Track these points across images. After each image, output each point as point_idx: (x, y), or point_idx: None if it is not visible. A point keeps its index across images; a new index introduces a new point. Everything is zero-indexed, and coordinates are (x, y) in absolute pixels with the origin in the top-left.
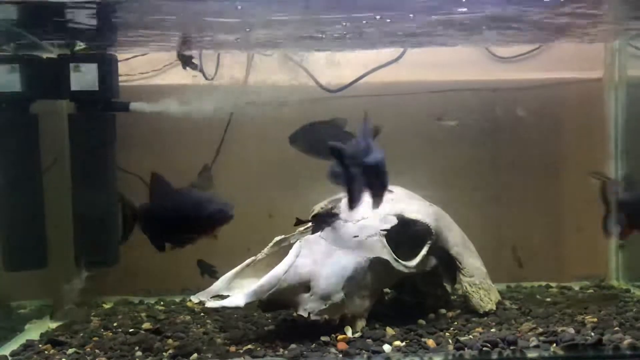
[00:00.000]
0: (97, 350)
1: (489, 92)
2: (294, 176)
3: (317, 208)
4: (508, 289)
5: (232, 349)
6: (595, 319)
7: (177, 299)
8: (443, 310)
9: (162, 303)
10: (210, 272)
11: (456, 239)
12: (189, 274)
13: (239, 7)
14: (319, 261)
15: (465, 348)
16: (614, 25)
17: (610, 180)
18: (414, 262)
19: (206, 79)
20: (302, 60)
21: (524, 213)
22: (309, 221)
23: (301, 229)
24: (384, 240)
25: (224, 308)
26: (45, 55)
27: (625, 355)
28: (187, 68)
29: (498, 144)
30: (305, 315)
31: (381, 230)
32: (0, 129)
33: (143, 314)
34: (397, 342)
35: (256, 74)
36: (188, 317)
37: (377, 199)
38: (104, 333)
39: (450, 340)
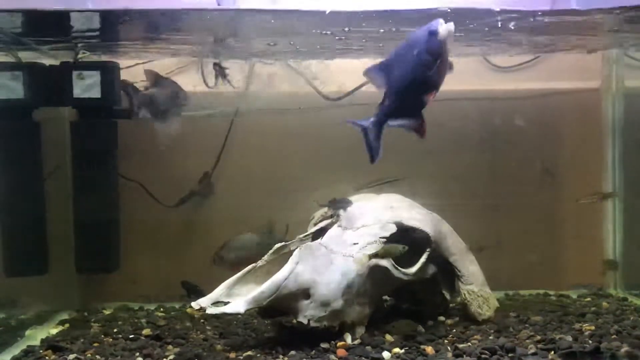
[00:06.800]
0: (97, 356)
1: (487, 101)
2: (295, 183)
3: (317, 215)
4: (506, 296)
5: (232, 355)
6: (593, 327)
7: (177, 305)
8: (442, 318)
9: (162, 309)
10: (195, 292)
11: (455, 247)
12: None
13: None
14: (319, 268)
15: (464, 355)
16: (611, 36)
17: None
18: (413, 270)
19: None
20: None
21: (522, 221)
22: (326, 205)
23: (301, 236)
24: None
25: (225, 314)
26: (48, 63)
27: None
28: (219, 78)
29: (496, 153)
30: (305, 322)
31: (381, 237)
32: (2, 135)
33: (143, 320)
34: (396, 349)
35: (257, 82)
36: (188, 324)
37: None
38: (104, 339)
39: (449, 348)
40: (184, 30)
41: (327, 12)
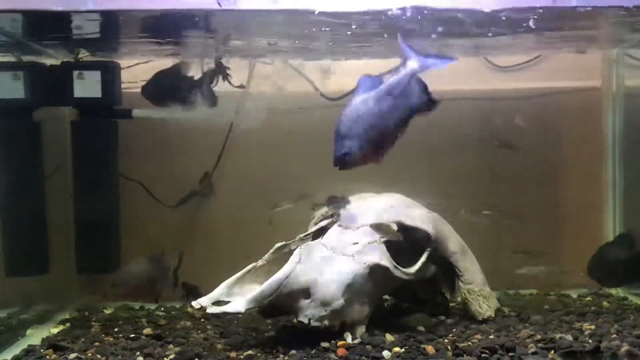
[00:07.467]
0: (98, 355)
1: (488, 101)
2: (295, 183)
3: (317, 214)
4: (506, 296)
5: (233, 354)
6: (593, 327)
7: (177, 305)
8: (442, 317)
9: (162, 309)
10: (195, 293)
11: (455, 246)
12: (189, 280)
13: None
14: (319, 268)
15: (464, 354)
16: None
17: None
18: (413, 269)
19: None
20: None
21: (522, 221)
22: (325, 204)
23: (301, 235)
24: (384, 247)
25: (225, 314)
26: (48, 63)
27: None
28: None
29: (497, 153)
30: (306, 321)
31: (381, 237)
32: (3, 135)
33: (144, 320)
34: (397, 349)
35: (257, 82)
36: (188, 323)
37: None
38: (105, 338)
39: (449, 347)
40: (186, 30)
41: (316, 12)
